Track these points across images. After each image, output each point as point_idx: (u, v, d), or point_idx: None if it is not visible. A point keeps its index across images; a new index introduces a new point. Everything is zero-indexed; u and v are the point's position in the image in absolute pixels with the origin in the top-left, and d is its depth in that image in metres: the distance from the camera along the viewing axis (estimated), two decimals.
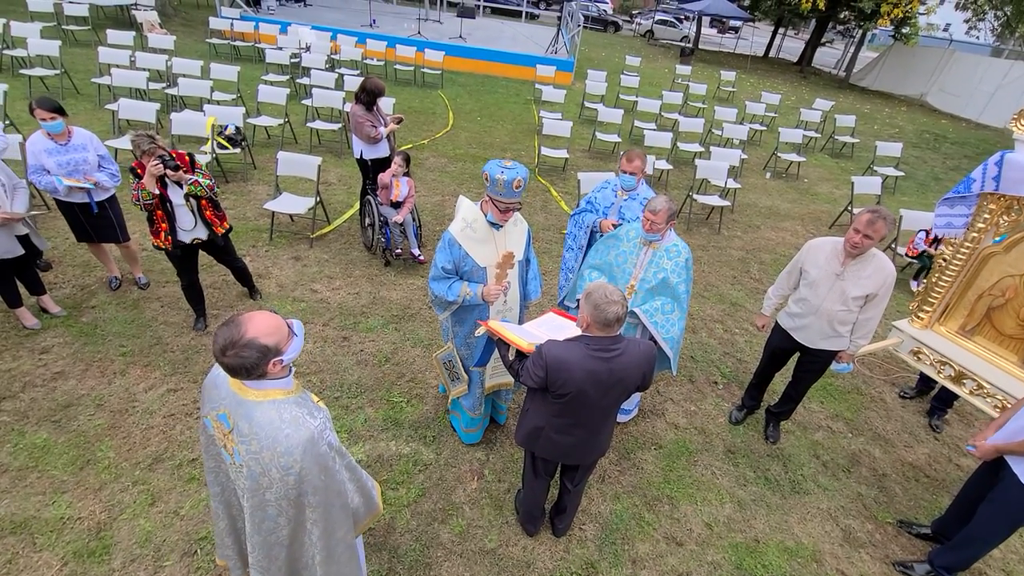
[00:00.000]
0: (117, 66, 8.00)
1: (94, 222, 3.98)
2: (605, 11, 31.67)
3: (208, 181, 3.60)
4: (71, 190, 3.74)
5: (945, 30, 30.44)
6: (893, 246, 6.26)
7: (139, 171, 3.36)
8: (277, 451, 1.57)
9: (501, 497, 3.12)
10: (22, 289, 3.77)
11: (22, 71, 8.08)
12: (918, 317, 3.48)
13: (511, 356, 2.47)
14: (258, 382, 1.62)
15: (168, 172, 3.34)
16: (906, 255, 6.13)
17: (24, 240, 3.52)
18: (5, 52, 8.78)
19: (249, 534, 1.73)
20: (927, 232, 5.99)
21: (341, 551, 1.81)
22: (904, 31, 20.72)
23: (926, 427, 4.16)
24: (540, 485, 2.75)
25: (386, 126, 5.17)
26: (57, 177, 3.66)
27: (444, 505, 3.03)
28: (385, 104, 6.49)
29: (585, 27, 19.95)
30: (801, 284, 3.25)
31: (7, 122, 6.16)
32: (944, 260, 3.33)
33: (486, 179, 2.58)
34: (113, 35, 9.52)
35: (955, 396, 3.68)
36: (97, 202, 3.90)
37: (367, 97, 4.96)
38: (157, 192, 3.37)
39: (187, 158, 3.54)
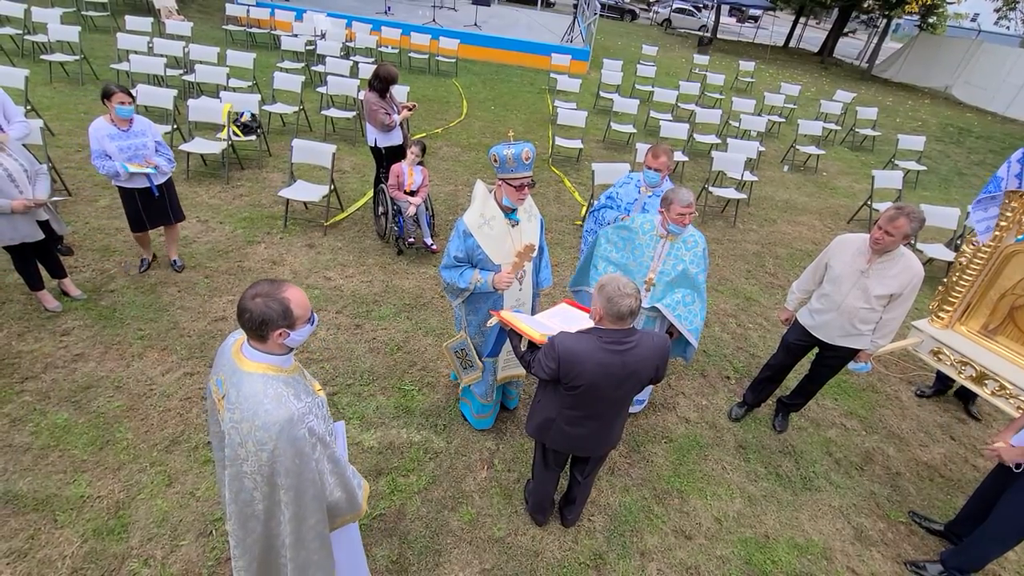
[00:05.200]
0: (135, 52, 8.05)
1: (154, 206, 4.11)
2: None
3: None
4: (132, 175, 3.86)
5: (973, 20, 29.56)
6: (912, 241, 6.13)
7: None
8: (255, 424, 1.59)
9: (511, 487, 3.14)
10: (44, 272, 3.84)
11: (43, 56, 8.17)
12: (938, 317, 3.41)
13: (523, 347, 2.46)
14: (256, 353, 1.66)
15: None
16: None
17: (43, 224, 3.58)
18: (26, 38, 8.88)
19: (227, 502, 1.74)
20: None
21: (311, 539, 1.79)
22: (931, 20, 20.15)
23: (942, 426, 4.10)
24: (550, 476, 2.75)
25: (399, 113, 5.15)
26: (122, 163, 3.79)
27: (454, 493, 3.05)
28: (399, 92, 6.47)
29: (601, 15, 19.66)
30: (825, 279, 3.21)
31: (28, 107, 6.24)
32: (965, 259, 3.26)
33: (494, 160, 2.55)
34: (131, 21, 9.61)
35: None
36: (157, 186, 4.03)
37: (380, 84, 4.94)
38: None
39: None
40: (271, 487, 1.68)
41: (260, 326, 1.59)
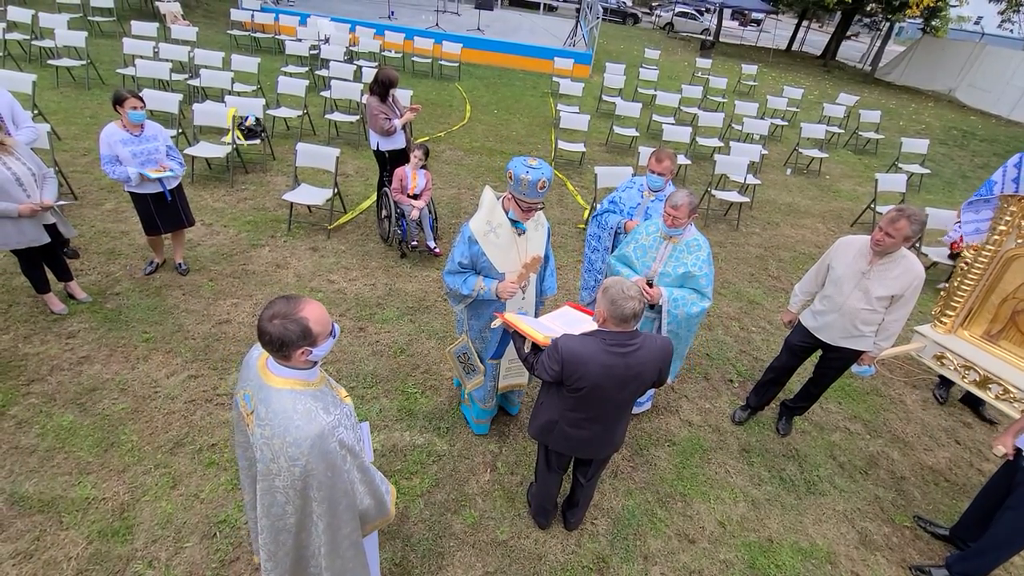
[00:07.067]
0: (141, 57, 8.14)
1: (166, 210, 4.14)
2: (624, 3, 31.30)
3: None
4: (144, 180, 3.90)
5: (976, 23, 29.48)
6: (917, 245, 6.11)
7: None
8: (286, 440, 1.58)
9: (513, 489, 3.14)
10: (50, 275, 3.87)
11: (50, 61, 8.24)
12: (941, 322, 3.41)
13: (526, 349, 2.47)
14: (282, 368, 1.65)
15: None
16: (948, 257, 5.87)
17: (50, 228, 3.60)
18: (34, 43, 8.96)
19: (258, 516, 1.74)
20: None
21: (346, 547, 1.81)
22: (934, 23, 20.12)
23: (947, 430, 4.08)
24: (553, 479, 2.75)
25: (401, 117, 5.17)
26: (139, 169, 3.83)
27: (457, 496, 3.06)
28: (403, 96, 6.50)
29: (604, 19, 19.74)
30: (827, 280, 3.21)
31: (35, 111, 6.29)
32: (966, 263, 3.25)
33: (510, 177, 2.53)
34: (137, 26, 9.68)
35: None
36: (169, 190, 4.07)
37: (380, 88, 4.96)
38: None
39: None
40: (304, 500, 1.68)
41: (280, 347, 1.58)
